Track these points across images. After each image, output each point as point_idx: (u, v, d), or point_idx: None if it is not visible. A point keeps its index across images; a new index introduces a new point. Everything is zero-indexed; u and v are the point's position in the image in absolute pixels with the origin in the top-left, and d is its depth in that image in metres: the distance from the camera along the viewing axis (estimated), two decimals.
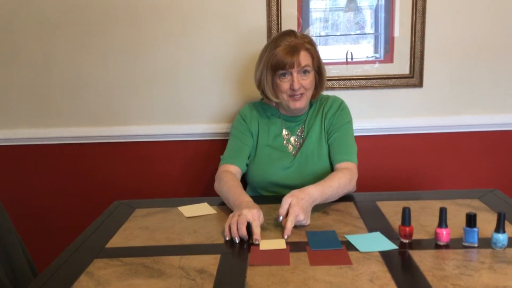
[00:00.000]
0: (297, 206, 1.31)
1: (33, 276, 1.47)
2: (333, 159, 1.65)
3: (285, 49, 1.58)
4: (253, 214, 1.27)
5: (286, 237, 1.25)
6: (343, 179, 1.53)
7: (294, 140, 1.71)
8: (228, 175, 1.59)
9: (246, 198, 1.41)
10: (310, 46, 1.63)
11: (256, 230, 1.24)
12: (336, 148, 1.66)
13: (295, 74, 1.59)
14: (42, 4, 2.00)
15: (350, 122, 1.71)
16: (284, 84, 1.61)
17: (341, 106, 1.73)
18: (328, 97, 1.78)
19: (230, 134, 1.77)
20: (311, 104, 1.76)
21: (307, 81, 1.61)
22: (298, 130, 1.72)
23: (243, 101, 2.07)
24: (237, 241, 1.23)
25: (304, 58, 1.59)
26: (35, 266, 1.53)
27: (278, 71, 1.60)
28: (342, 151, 1.65)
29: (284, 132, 1.72)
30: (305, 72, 1.61)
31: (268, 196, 1.69)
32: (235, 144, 1.71)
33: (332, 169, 1.66)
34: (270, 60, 1.61)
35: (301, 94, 1.62)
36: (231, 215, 1.32)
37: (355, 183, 1.59)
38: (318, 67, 1.67)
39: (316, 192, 1.40)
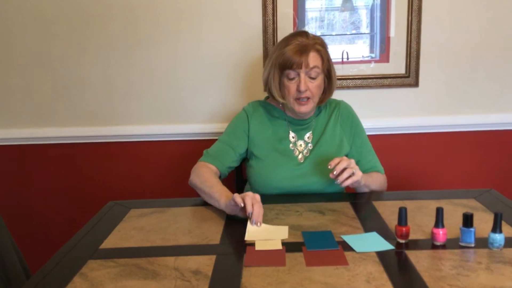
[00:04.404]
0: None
1: (26, 277, 1.46)
2: (365, 168, 1.68)
3: (295, 48, 1.54)
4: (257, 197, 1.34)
5: (331, 165, 1.44)
6: (381, 177, 1.69)
7: (301, 145, 1.66)
8: (208, 171, 1.59)
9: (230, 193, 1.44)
10: (321, 48, 1.58)
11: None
12: (364, 159, 1.69)
13: (302, 75, 1.55)
14: (38, 4, 1.99)
15: (364, 129, 1.74)
16: (291, 86, 1.57)
17: (353, 114, 1.74)
18: (338, 102, 1.74)
19: (226, 127, 1.73)
20: (319, 109, 1.71)
21: (314, 84, 1.57)
22: (306, 136, 1.68)
23: (240, 100, 2.07)
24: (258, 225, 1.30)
25: (313, 59, 1.55)
26: (28, 267, 1.51)
27: (285, 70, 1.56)
28: (369, 159, 1.70)
29: (291, 134, 1.67)
30: (313, 77, 1.56)
31: (265, 195, 1.65)
32: (224, 145, 1.68)
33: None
34: (278, 58, 1.57)
35: (307, 98, 1.58)
36: (240, 196, 1.32)
37: (386, 187, 1.71)
38: (328, 70, 1.62)
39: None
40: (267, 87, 1.66)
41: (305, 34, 1.60)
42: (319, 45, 1.58)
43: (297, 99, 1.58)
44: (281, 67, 1.57)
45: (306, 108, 1.60)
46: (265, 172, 1.63)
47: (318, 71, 1.57)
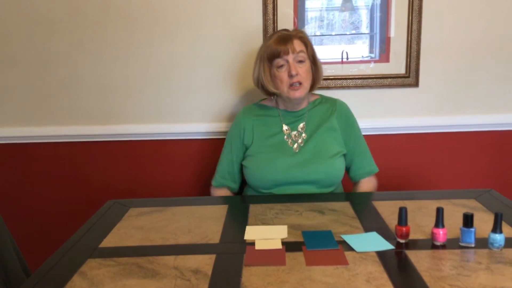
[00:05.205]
0: None
1: (26, 276, 1.46)
2: (357, 173, 1.74)
3: (278, 38, 1.65)
4: None
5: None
6: (371, 186, 1.74)
7: (295, 135, 1.70)
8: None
9: None
10: (303, 35, 1.68)
11: None
12: (358, 161, 1.73)
13: (291, 61, 1.62)
14: (38, 4, 1.99)
15: (359, 128, 1.78)
16: (282, 74, 1.64)
17: (349, 111, 1.77)
18: (334, 99, 1.78)
19: (225, 141, 1.80)
20: (314, 104, 1.76)
21: (303, 69, 1.64)
22: (299, 126, 1.71)
23: (239, 100, 2.06)
24: None
25: (297, 44, 1.64)
26: (28, 266, 1.51)
27: (274, 60, 1.64)
28: (364, 163, 1.74)
29: (285, 127, 1.71)
30: (300, 61, 1.63)
31: (265, 195, 1.67)
32: (228, 161, 1.77)
33: (339, 167, 1.67)
34: (265, 51, 1.67)
35: (300, 83, 1.63)
36: None
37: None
38: (312, 56, 1.69)
39: None
40: (259, 83, 1.73)
41: (286, 29, 1.72)
42: (300, 33, 1.69)
43: (290, 86, 1.64)
44: (269, 58, 1.65)
45: (300, 93, 1.65)
46: (260, 166, 1.66)
47: (304, 55, 1.65)
